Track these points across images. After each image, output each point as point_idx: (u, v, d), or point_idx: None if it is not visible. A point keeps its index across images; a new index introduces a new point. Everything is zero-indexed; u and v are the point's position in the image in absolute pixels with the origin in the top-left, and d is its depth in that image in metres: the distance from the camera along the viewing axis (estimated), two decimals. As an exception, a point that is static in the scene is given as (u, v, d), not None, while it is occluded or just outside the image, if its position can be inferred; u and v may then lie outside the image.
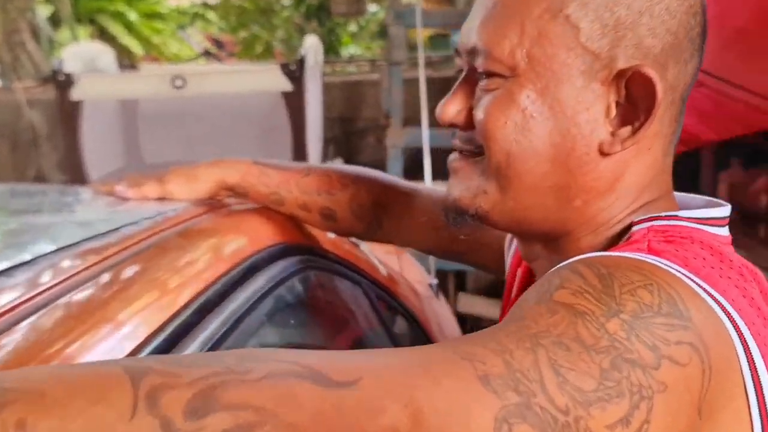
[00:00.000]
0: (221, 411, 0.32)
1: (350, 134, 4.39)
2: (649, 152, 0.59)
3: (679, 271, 0.49)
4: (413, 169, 3.84)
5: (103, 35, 5.08)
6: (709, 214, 0.59)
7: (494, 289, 3.91)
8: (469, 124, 0.61)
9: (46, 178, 4.41)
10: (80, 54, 3.74)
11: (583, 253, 0.58)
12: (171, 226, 0.83)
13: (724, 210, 0.60)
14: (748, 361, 0.48)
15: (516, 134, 0.57)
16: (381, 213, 0.97)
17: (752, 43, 2.09)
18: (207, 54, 5.37)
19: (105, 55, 3.94)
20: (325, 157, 4.11)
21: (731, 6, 2.09)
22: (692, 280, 0.49)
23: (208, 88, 3.39)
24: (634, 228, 0.58)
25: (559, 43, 0.56)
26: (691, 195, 0.65)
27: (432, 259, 2.25)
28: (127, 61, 4.35)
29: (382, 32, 5.64)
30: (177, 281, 0.73)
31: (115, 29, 4.98)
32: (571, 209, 0.60)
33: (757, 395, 0.48)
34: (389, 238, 1.00)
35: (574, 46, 0.56)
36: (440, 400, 0.37)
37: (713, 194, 3.17)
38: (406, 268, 1.90)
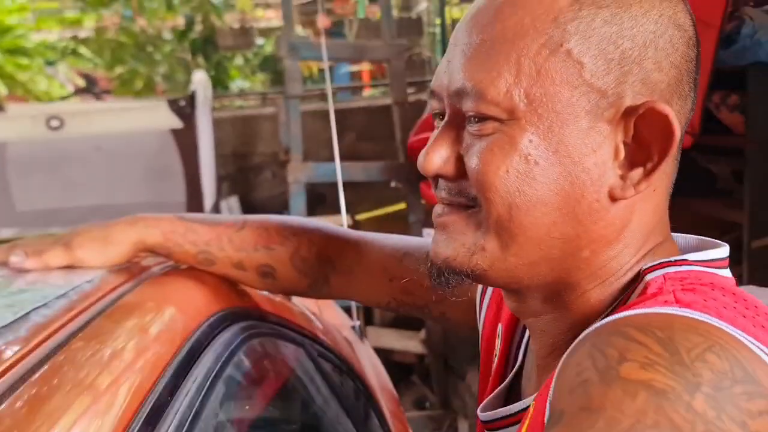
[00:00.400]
0: None
1: (245, 170, 4.26)
2: (655, 194, 0.55)
3: (721, 324, 0.46)
4: (314, 207, 3.76)
5: (-40, 73, 4.64)
6: (714, 256, 0.55)
7: (400, 322, 3.88)
8: (459, 173, 0.55)
9: None
10: (-65, 94, 3.37)
11: (592, 307, 0.56)
12: (90, 305, 0.68)
13: (725, 250, 0.56)
14: None
15: (519, 183, 0.51)
16: (328, 267, 0.88)
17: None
18: (81, 91, 5.04)
19: (-36, 95, 3.57)
20: (220, 194, 3.96)
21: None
22: (735, 332, 0.45)
23: (89, 128, 3.18)
24: (647, 277, 0.53)
25: (561, 81, 0.51)
26: (681, 234, 0.61)
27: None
28: (-11, 100, 3.97)
29: (264, 64, 5.54)
30: (108, 378, 0.58)
31: (-26, 66, 4.56)
32: (578, 260, 0.54)
33: None
34: (338, 293, 0.91)
35: (578, 83, 0.51)
36: None
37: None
38: (327, 313, 1.79)
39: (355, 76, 7.72)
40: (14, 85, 4.82)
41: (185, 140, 3.24)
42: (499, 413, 0.62)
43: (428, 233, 3.08)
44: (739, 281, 0.56)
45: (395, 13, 5.08)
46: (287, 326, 1.04)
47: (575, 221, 0.53)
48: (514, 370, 0.67)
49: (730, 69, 2.34)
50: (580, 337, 0.49)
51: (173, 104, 3.19)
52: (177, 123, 3.19)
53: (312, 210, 3.47)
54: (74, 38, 5.33)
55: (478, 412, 0.65)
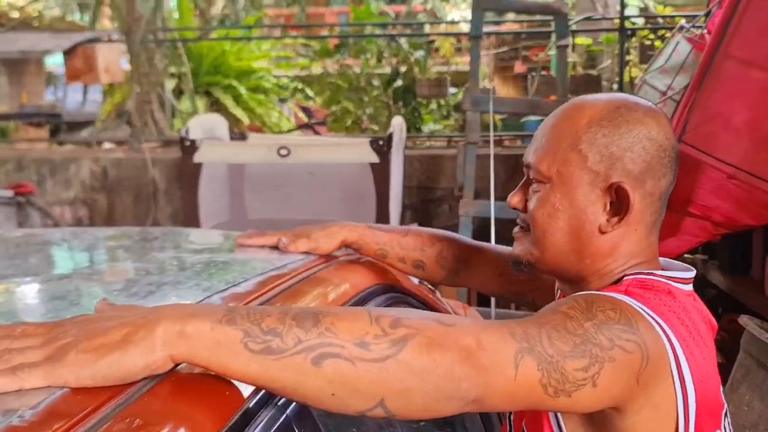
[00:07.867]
0: (402, 327, 0.67)
1: (427, 202, 4.81)
2: (636, 233, 0.90)
3: (637, 305, 0.80)
4: (479, 236, 4.19)
5: (217, 105, 5.81)
6: (677, 275, 0.89)
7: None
8: (525, 209, 0.95)
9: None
10: (202, 123, 4.40)
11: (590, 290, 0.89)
12: (297, 274, 1.22)
13: (690, 273, 0.90)
14: (675, 359, 0.79)
15: (549, 220, 0.90)
16: (459, 264, 1.26)
17: (782, 146, 2.38)
18: (303, 126, 6.00)
19: (221, 125, 4.58)
20: (403, 220, 4.55)
21: (763, 113, 2.41)
22: (644, 310, 0.80)
23: (308, 157, 3.94)
24: (625, 278, 0.88)
25: (575, 166, 0.88)
26: (676, 261, 0.95)
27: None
28: (235, 129, 4.98)
29: (454, 110, 6.11)
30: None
31: (226, 101, 5.70)
32: (583, 265, 0.91)
33: (680, 380, 0.79)
34: (464, 282, 1.29)
35: (585, 167, 0.88)
36: (490, 339, 0.70)
37: (763, 272, 3.35)
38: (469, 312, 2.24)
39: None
40: (253, 116, 5.91)
41: (380, 173, 3.88)
42: None
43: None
44: None
45: (581, 70, 5.45)
46: (417, 298, 1.54)
47: (579, 242, 0.89)
48: None
49: None
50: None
51: (373, 143, 3.85)
52: (375, 158, 3.84)
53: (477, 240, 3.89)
54: (301, 80, 6.37)
55: None
